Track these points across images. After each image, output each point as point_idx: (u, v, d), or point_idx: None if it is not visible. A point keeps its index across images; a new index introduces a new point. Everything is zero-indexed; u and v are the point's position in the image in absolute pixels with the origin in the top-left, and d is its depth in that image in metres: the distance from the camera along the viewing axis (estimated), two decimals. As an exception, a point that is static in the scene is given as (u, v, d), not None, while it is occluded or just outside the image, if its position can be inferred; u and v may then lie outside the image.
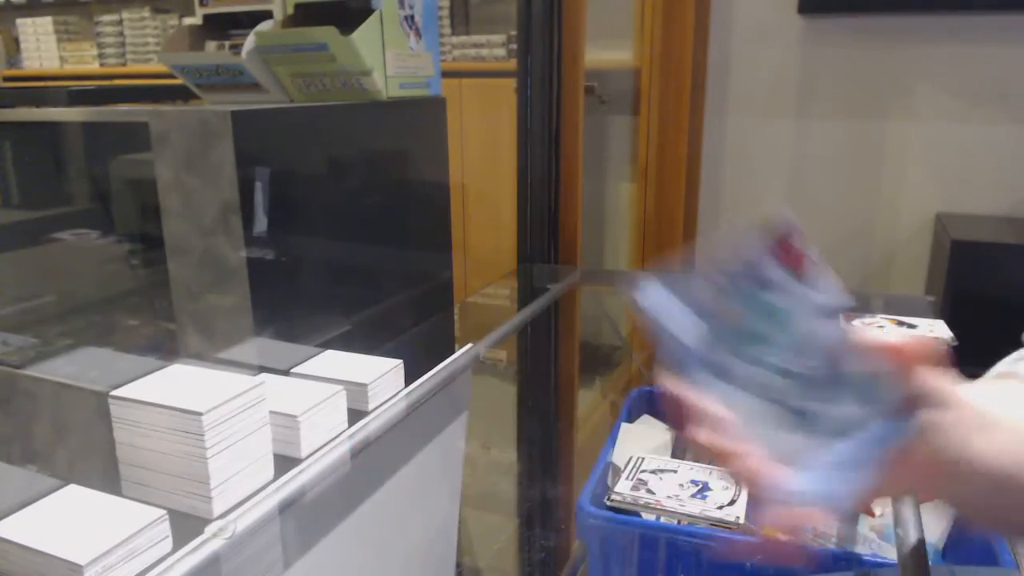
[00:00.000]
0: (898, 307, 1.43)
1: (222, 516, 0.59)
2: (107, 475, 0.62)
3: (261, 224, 0.94)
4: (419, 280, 1.34)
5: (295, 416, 0.67)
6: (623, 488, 0.84)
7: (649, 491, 0.84)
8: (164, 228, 0.96)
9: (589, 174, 2.76)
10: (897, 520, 0.68)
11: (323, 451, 0.69)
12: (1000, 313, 1.96)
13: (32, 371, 0.70)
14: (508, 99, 2.41)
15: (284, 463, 0.67)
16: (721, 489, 0.83)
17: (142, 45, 3.77)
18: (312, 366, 0.79)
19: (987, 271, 1.98)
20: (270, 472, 0.65)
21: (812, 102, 2.44)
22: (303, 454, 0.68)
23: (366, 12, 1.13)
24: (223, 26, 1.24)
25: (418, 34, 1.24)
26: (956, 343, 0.93)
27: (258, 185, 0.93)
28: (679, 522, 0.82)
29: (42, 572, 0.50)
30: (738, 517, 0.79)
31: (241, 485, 0.62)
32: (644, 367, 1.69)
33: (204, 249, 0.93)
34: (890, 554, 0.81)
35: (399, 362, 0.81)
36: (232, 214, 0.91)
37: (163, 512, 0.54)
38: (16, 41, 4.03)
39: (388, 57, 1.17)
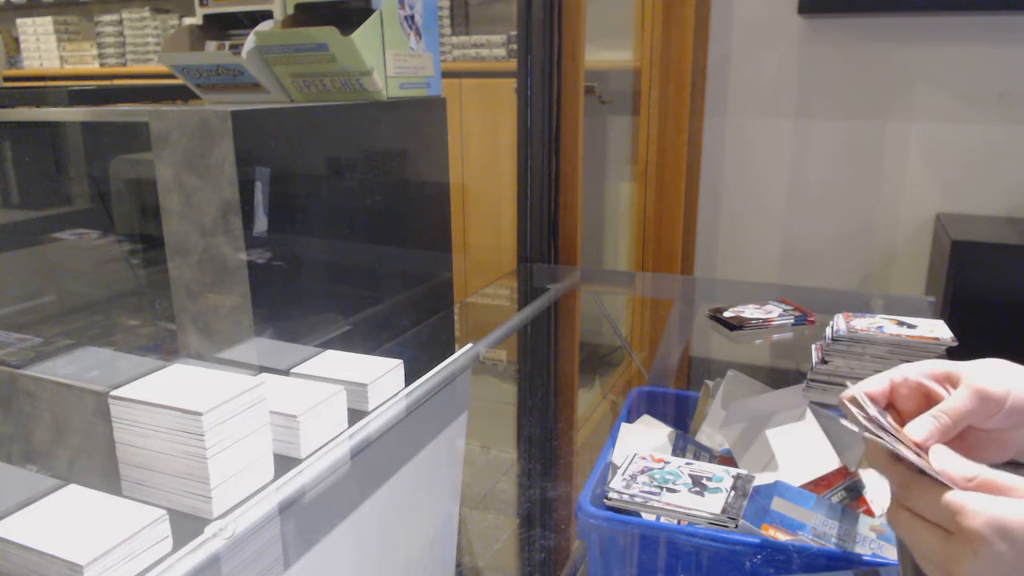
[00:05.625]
0: (898, 307, 1.43)
1: (222, 516, 0.59)
2: (107, 475, 0.62)
3: (261, 224, 0.94)
4: (419, 280, 1.34)
5: (295, 416, 0.67)
6: (617, 484, 0.84)
7: (646, 489, 0.84)
8: (164, 228, 0.96)
9: (589, 174, 2.76)
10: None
11: (323, 451, 0.69)
12: (1000, 313, 1.96)
13: (32, 371, 0.70)
14: (508, 99, 2.41)
15: (284, 463, 0.67)
16: (720, 488, 0.83)
17: (142, 45, 3.77)
18: (312, 366, 0.79)
19: (987, 271, 1.98)
20: (270, 472, 0.65)
21: (812, 102, 2.44)
22: (303, 454, 0.68)
23: (366, 12, 1.13)
24: (223, 26, 1.24)
25: (418, 34, 1.24)
26: (956, 343, 0.92)
27: (258, 185, 0.93)
28: (679, 522, 0.82)
29: (42, 572, 0.50)
30: (737, 516, 0.79)
31: (241, 485, 0.62)
32: (644, 367, 1.69)
33: (204, 249, 0.93)
34: (890, 554, 0.81)
35: (399, 362, 0.81)
36: (232, 214, 0.91)
37: (163, 512, 0.54)
38: (16, 41, 4.03)
39: (388, 57, 1.17)
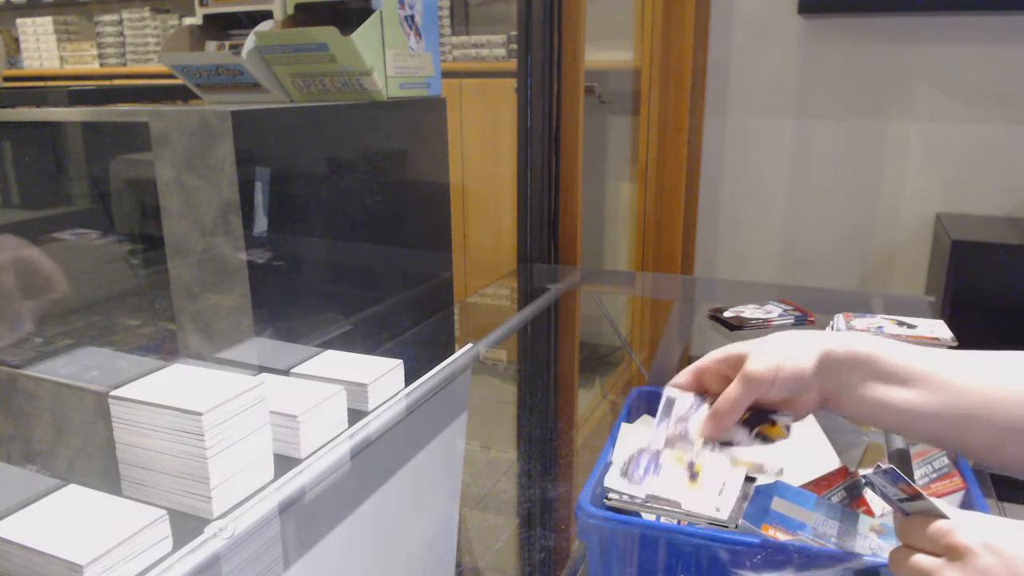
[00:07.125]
0: (898, 307, 1.43)
1: (222, 516, 0.59)
2: (107, 475, 0.62)
3: (261, 224, 0.94)
4: (419, 280, 1.34)
5: (295, 416, 0.67)
6: (615, 484, 0.84)
7: (648, 491, 0.84)
8: (164, 228, 0.96)
9: (589, 174, 2.76)
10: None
11: (323, 451, 0.69)
12: (1000, 313, 1.96)
13: (32, 371, 0.70)
14: (508, 99, 2.41)
15: (284, 463, 0.67)
16: (720, 488, 0.83)
17: (142, 45, 3.77)
18: (312, 366, 0.79)
19: (987, 271, 1.98)
20: (270, 472, 0.65)
21: (812, 102, 2.44)
22: (303, 454, 0.68)
23: (366, 12, 1.13)
24: (223, 26, 1.24)
25: (418, 34, 1.24)
26: (956, 343, 0.93)
27: (258, 185, 0.93)
28: (679, 522, 0.82)
29: (42, 572, 0.50)
30: (738, 516, 0.79)
31: (241, 485, 0.62)
32: (644, 367, 1.69)
33: (204, 249, 0.93)
34: (890, 554, 0.81)
35: (399, 362, 0.81)
36: (232, 214, 0.91)
37: (163, 512, 0.54)
38: (16, 41, 4.03)
39: (388, 57, 1.17)
